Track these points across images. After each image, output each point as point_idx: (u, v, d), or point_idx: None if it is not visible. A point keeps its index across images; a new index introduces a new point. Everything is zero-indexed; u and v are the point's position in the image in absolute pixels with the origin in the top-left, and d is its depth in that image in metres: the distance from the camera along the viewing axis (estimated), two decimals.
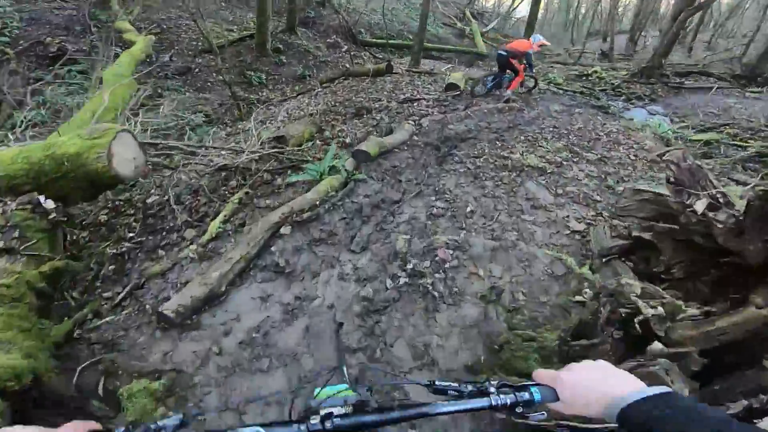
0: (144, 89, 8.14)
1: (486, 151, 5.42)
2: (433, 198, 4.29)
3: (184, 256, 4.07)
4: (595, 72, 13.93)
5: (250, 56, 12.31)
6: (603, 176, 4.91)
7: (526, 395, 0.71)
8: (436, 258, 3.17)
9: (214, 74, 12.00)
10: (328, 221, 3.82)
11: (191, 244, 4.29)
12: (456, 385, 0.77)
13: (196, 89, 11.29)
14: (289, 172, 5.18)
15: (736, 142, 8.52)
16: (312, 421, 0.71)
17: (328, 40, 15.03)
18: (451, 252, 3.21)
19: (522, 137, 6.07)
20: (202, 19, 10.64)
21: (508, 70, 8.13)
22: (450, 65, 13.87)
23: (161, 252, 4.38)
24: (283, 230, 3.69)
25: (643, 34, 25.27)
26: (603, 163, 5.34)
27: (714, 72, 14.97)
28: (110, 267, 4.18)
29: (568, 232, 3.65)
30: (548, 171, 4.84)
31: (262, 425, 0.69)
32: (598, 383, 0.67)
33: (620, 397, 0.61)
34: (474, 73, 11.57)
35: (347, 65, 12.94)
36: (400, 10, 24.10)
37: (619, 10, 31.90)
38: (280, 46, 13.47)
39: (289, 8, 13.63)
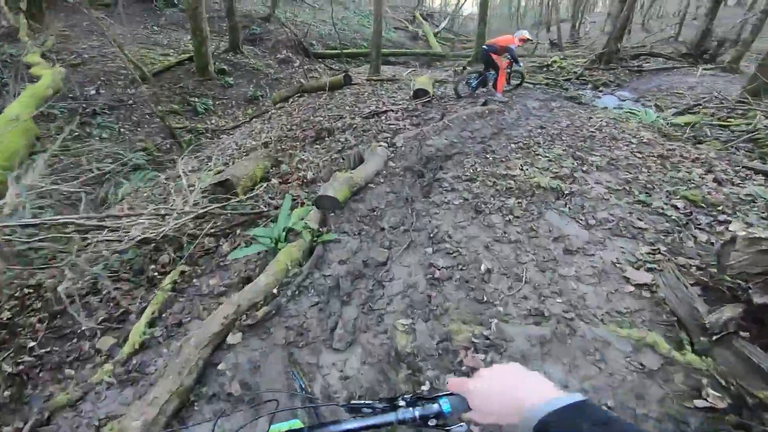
0: (64, 130, 6.63)
1: (479, 169, 4.33)
2: (430, 250, 3.11)
3: (97, 380, 2.75)
4: (555, 62, 13.27)
5: (191, 81, 10.77)
6: (627, 187, 3.91)
7: (435, 407, 0.67)
8: (462, 366, 2.02)
9: (153, 105, 10.44)
10: (295, 312, 2.57)
11: (108, 359, 2.96)
12: (370, 402, 0.73)
13: (133, 124, 9.69)
14: (237, 231, 3.88)
15: (718, 123, 7.96)
16: None
17: (278, 56, 13.62)
18: (482, 356, 2.07)
19: (513, 145, 5.04)
20: (121, 45, 9.09)
21: (491, 68, 7.39)
22: (411, 69, 12.80)
23: (69, 371, 3.04)
24: (230, 339, 2.43)
25: (581, 21, 25.27)
26: (615, 168, 4.36)
27: (662, 53, 14.76)
28: (5, 392, 2.87)
29: (631, 288, 2.57)
30: (564, 191, 3.76)
31: None
32: (511, 391, 0.61)
33: (536, 407, 0.55)
34: (438, 75, 10.57)
35: (302, 80, 11.65)
36: (351, 19, 22.93)
37: None
38: (225, 67, 11.98)
39: (230, 26, 12.15)
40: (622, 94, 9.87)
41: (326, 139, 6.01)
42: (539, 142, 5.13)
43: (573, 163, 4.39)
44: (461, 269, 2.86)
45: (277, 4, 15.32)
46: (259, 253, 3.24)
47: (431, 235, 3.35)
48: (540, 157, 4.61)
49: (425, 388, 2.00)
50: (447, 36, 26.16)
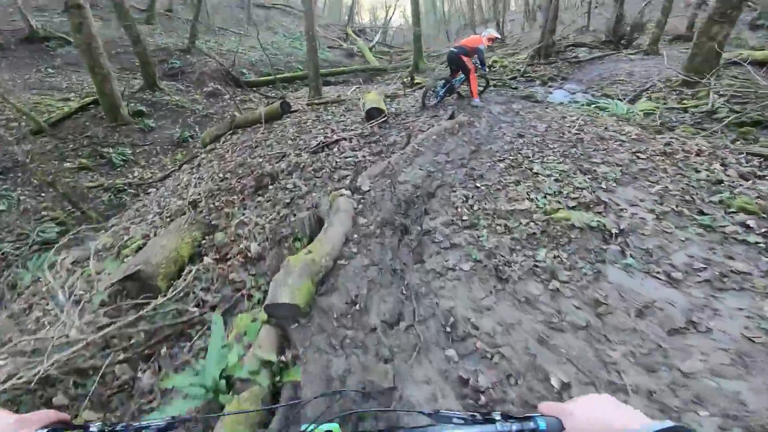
0: None
1: (475, 207, 3.21)
2: (452, 352, 1.92)
3: None
4: (495, 61, 12.78)
5: (101, 129, 8.88)
6: (670, 206, 2.94)
7: (531, 425, 0.62)
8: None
9: (56, 162, 8.45)
10: None
11: None
12: (460, 413, 0.68)
13: (35, 188, 7.71)
14: (163, 351, 2.46)
15: (674, 106, 7.59)
16: None
17: (205, 90, 11.93)
18: None
19: (500, 164, 4.01)
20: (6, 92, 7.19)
21: (460, 72, 6.64)
22: (354, 87, 11.65)
23: None
24: None
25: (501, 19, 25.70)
26: (633, 179, 3.45)
27: (586, 42, 14.87)
28: None
29: None
30: (610, 228, 2.70)
31: None
32: (606, 415, 0.59)
33: (629, 430, 0.54)
34: (385, 89, 9.51)
35: (235, 113, 10.12)
36: (281, 42, 21.49)
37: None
38: (143, 108, 10.17)
39: (142, 61, 10.36)
40: (570, 87, 9.40)
41: (270, 187, 4.64)
42: (528, 156, 4.13)
43: (585, 180, 3.41)
44: (516, 384, 1.69)
45: (196, 35, 13.60)
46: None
47: (446, 326, 2.16)
48: (541, 176, 3.59)
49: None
50: (382, 49, 25.50)
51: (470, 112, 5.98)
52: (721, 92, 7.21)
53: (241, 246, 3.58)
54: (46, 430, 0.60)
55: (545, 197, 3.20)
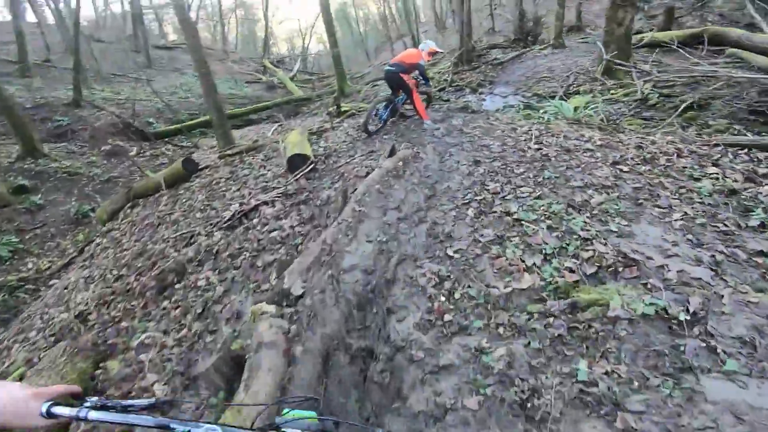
0: None
1: (457, 293, 2.16)
2: None
3: None
4: None
5: None
6: (728, 254, 2.08)
7: None
8: None
9: None
10: None
11: None
12: None
13: None
14: None
15: (605, 98, 7.30)
16: None
17: (104, 149, 9.92)
18: None
19: (468, 210, 3.00)
20: None
21: (401, 91, 5.77)
22: (277, 124, 10.31)
23: None
24: None
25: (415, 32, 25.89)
26: (640, 207, 2.62)
27: (499, 43, 14.95)
28: None
29: None
30: (677, 315, 1.68)
31: (223, 425, 0.61)
32: None
33: None
34: (311, 123, 8.36)
35: (139, 175, 8.37)
36: (192, 83, 19.46)
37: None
38: (26, 181, 8.11)
39: (13, 124, 8.24)
40: (501, 90, 8.94)
41: (176, 286, 3.28)
42: (497, 191, 3.20)
43: (585, 222, 2.51)
44: None
45: (80, 85, 11.48)
46: None
47: None
48: (525, 222, 2.64)
49: None
50: (304, 77, 24.39)
51: (413, 140, 5.02)
52: (644, 78, 7.05)
53: (143, 383, 2.23)
54: (51, 402, 0.64)
55: (547, 261, 2.23)
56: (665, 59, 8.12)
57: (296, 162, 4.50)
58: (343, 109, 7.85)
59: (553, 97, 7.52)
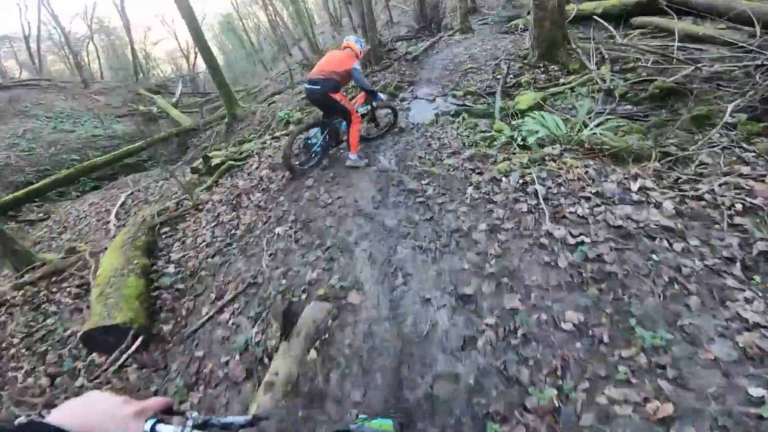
0: None
1: None
2: None
3: None
4: None
5: None
6: None
7: None
8: None
9: None
10: None
11: None
12: None
13: None
14: None
15: (557, 90, 5.77)
16: None
17: None
18: None
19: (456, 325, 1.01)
20: None
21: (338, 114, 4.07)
22: (128, 192, 7.09)
23: None
24: None
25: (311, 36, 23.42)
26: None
27: (404, 35, 13.36)
28: None
29: None
30: None
31: None
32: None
33: None
34: (170, 191, 5.66)
35: None
36: (41, 129, 14.85)
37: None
38: None
39: None
40: (425, 92, 7.03)
41: None
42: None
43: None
44: None
45: None
46: None
47: None
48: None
49: None
50: (194, 100, 20.56)
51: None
52: (594, 61, 5.63)
53: None
54: (154, 420, 0.58)
55: None
56: (600, 35, 6.93)
57: (100, 342, 1.98)
58: (216, 162, 5.28)
59: (490, 95, 5.80)
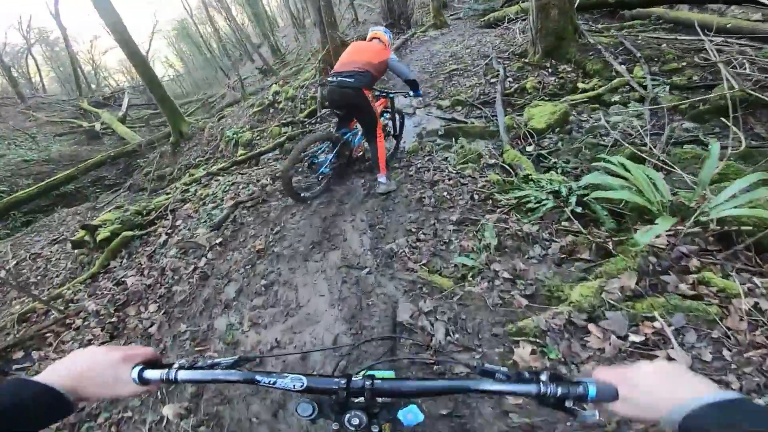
0: None
1: None
2: None
3: None
4: (277, 93, 8.22)
5: None
6: None
7: (579, 389, 0.50)
8: None
9: None
10: None
11: None
12: (505, 369, 0.58)
13: None
14: None
15: (576, 97, 4.37)
16: (354, 378, 0.59)
17: None
18: None
19: None
20: None
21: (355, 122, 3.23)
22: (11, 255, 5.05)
23: None
24: None
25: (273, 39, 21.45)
26: None
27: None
28: None
29: None
30: None
31: (307, 375, 0.59)
32: (667, 383, 0.48)
33: (688, 399, 0.42)
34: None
35: None
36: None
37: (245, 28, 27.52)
38: None
39: None
40: (404, 104, 5.45)
41: None
42: None
43: None
44: None
45: None
46: None
47: None
48: None
49: None
50: (145, 113, 18.20)
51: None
52: (619, 59, 4.25)
53: None
54: (141, 366, 0.58)
55: None
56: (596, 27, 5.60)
57: None
58: (105, 234, 3.52)
59: (487, 104, 4.34)
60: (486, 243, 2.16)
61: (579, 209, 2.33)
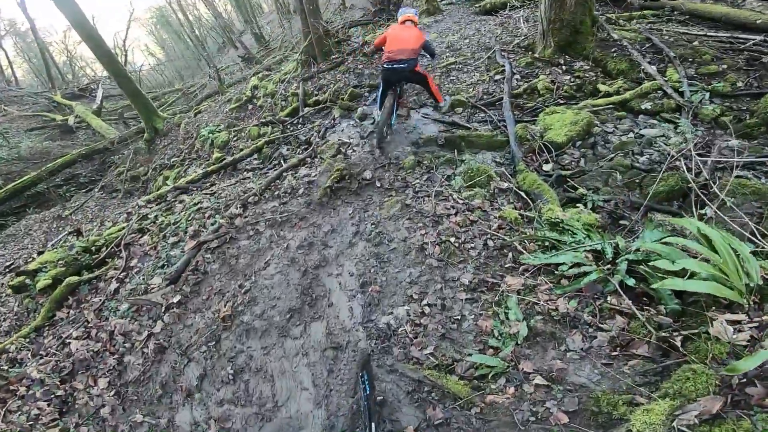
0: None
1: None
2: None
3: None
4: (256, 87, 7.33)
5: None
6: None
7: None
8: None
9: None
10: None
11: None
12: None
13: None
14: None
15: (597, 103, 3.70)
16: None
17: None
18: None
19: None
20: None
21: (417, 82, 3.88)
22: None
23: None
24: None
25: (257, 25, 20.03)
26: None
27: (359, 20, 10.86)
28: None
29: None
30: None
31: None
32: None
33: None
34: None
35: None
36: None
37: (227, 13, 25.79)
38: None
39: None
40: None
41: None
42: None
43: None
44: None
45: None
46: None
47: None
48: None
49: None
50: (122, 104, 16.87)
51: None
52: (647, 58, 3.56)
53: None
54: None
55: None
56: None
57: None
58: (46, 282, 2.80)
59: (490, 106, 3.67)
60: (510, 330, 1.55)
61: (631, 281, 1.72)
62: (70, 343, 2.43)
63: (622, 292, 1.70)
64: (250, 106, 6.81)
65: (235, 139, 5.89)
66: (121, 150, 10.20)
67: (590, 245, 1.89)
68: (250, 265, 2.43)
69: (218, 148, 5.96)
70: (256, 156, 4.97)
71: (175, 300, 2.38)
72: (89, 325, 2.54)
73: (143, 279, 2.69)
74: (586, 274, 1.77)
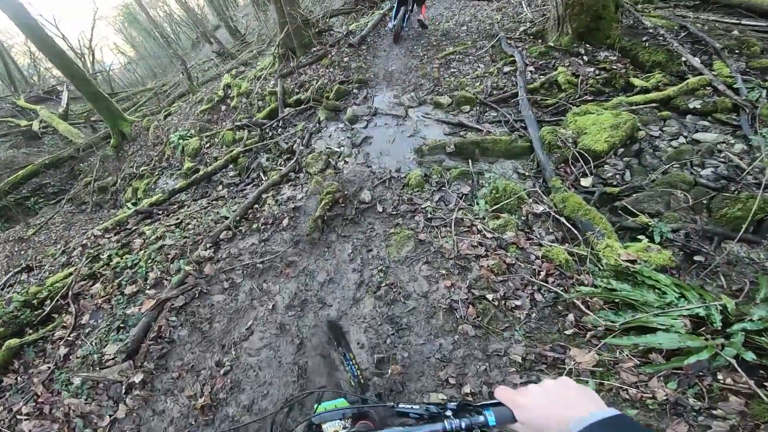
0: None
1: None
2: None
3: None
4: (232, 86, 6.46)
5: None
6: None
7: (481, 418, 0.53)
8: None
9: None
10: None
11: None
12: (417, 407, 0.59)
13: None
14: None
15: (633, 105, 3.06)
16: None
17: None
18: None
19: None
20: None
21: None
22: None
23: None
24: None
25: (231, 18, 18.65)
26: None
27: (341, 9, 9.94)
28: None
29: None
30: None
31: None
32: (557, 404, 0.48)
33: (575, 420, 0.43)
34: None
35: None
36: None
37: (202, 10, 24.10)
38: None
39: None
40: (391, 101, 3.90)
41: None
42: None
43: None
44: None
45: None
46: None
47: None
48: None
49: None
50: (89, 105, 15.38)
51: None
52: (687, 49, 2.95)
53: None
54: None
55: None
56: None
57: None
58: None
59: (502, 102, 3.05)
60: None
61: (749, 355, 1.17)
62: (21, 420, 1.76)
63: (739, 369, 1.15)
64: (223, 108, 5.96)
65: (207, 145, 5.09)
66: (89, 156, 9.13)
67: (686, 308, 1.32)
68: (228, 332, 1.77)
69: (189, 156, 5.15)
70: (231, 166, 4.22)
71: (137, 379, 1.72)
72: (39, 399, 1.87)
73: (96, 345, 2.00)
74: (697, 355, 1.20)
